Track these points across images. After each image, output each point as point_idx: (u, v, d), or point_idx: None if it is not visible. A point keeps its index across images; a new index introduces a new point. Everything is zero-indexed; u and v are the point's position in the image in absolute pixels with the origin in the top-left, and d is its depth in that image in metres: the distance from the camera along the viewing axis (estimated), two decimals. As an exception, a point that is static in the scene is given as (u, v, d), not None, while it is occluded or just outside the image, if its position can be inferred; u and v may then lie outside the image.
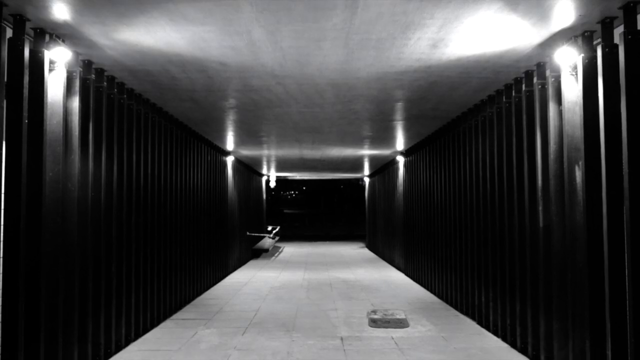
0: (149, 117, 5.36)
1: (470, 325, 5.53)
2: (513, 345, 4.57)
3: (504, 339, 4.78)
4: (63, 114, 3.59)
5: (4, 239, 3.05)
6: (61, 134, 3.57)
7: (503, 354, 4.44)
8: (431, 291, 7.64)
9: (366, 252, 15.20)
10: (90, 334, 4.04)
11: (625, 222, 2.98)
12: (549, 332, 3.93)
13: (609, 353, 3.12)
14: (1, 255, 3.03)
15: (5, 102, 3.03)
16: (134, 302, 4.94)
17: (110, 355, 4.38)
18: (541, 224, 4.07)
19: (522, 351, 4.38)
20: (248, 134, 7.89)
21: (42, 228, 3.32)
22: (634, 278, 2.94)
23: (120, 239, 4.68)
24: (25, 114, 3.09)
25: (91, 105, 4.04)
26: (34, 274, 3.28)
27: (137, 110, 5.02)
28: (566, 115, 3.64)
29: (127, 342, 4.76)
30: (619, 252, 3.07)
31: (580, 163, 3.46)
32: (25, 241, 3.18)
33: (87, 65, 3.98)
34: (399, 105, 5.79)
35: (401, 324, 5.42)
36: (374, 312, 5.73)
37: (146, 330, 5.25)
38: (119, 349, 4.56)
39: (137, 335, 5.01)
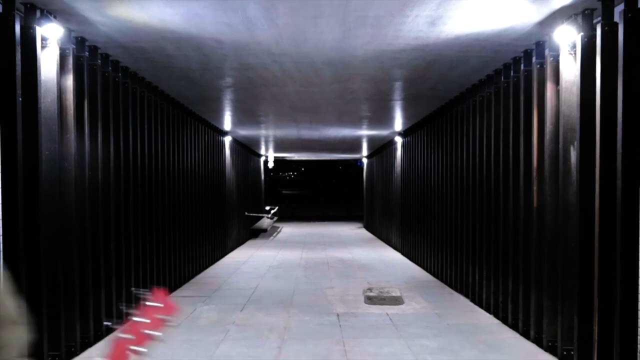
0: (144, 96, 5.32)
1: (463, 302, 5.64)
2: (504, 321, 4.68)
3: (496, 316, 4.89)
4: (57, 92, 3.56)
5: (2, 218, 3.07)
6: (56, 112, 3.55)
7: (494, 329, 4.55)
8: (427, 270, 7.76)
9: (364, 232, 15.34)
10: (92, 311, 4.11)
11: (617, 202, 3.01)
12: (539, 308, 4.02)
13: (596, 328, 3.20)
14: (0, 234, 3.06)
15: (-2, 79, 3.01)
16: (133, 279, 5.01)
17: (112, 331, 4.47)
18: (535, 204, 4.11)
19: (513, 327, 4.48)
20: (245, 114, 7.85)
21: (39, 207, 3.34)
22: (623, 256, 2.99)
23: (118, 218, 4.71)
24: (19, 91, 3.07)
25: (85, 84, 4.01)
26: (34, 253, 3.32)
27: (132, 89, 4.98)
28: (563, 95, 3.64)
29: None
30: (610, 231, 3.11)
31: (575, 143, 3.48)
32: (24, 220, 3.20)
33: (80, 42, 3.93)
34: (397, 85, 5.75)
35: (396, 301, 5.52)
36: (370, 289, 5.83)
37: (146, 307, 5.34)
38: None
39: (137, 312, 5.11)
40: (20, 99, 3.07)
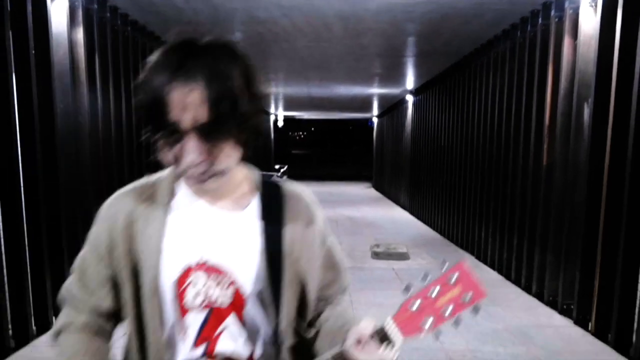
0: (154, 50, 5.27)
1: (468, 259, 5.77)
2: (508, 277, 4.81)
3: (500, 272, 5.02)
4: (68, 46, 3.57)
5: (22, 170, 3.16)
6: (68, 66, 3.57)
7: (497, 284, 4.69)
8: (434, 228, 7.88)
9: (372, 192, 15.46)
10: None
11: (627, 159, 3.00)
12: (542, 265, 4.11)
13: (597, 283, 3.29)
14: (22, 185, 3.16)
15: (10, 32, 3.02)
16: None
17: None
18: (545, 162, 4.10)
19: (516, 283, 4.61)
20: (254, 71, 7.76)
21: (57, 160, 3.44)
22: (629, 213, 3.02)
23: (132, 173, 4.82)
24: (31, 44, 3.08)
25: (96, 37, 3.99)
26: (54, 203, 3.45)
27: (142, 44, 4.94)
28: (581, 49, 3.54)
29: (144, 268, 5.09)
30: (618, 189, 3.12)
31: (589, 100, 3.42)
32: (43, 173, 3.30)
33: (88, -6, 3.88)
34: (410, 40, 5.61)
35: (402, 256, 5.67)
36: (377, 245, 5.98)
37: (161, 258, 5.57)
38: (136, 274, 4.89)
39: (153, 263, 5.34)
40: (34, 52, 3.09)
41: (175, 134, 0.70)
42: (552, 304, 3.95)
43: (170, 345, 0.80)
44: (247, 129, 0.73)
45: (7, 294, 2.95)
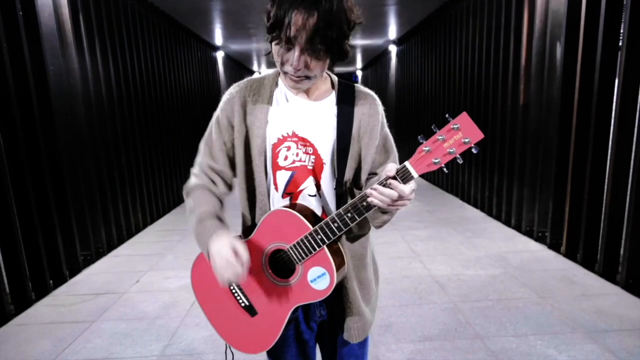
0: (135, 9, 5.22)
1: (453, 200, 6.11)
2: (489, 214, 5.16)
3: (482, 210, 5.36)
4: (53, 6, 3.57)
5: (23, 134, 3.25)
6: (55, 27, 3.58)
7: (479, 220, 5.04)
8: (419, 175, 8.17)
9: (359, 146, 15.62)
10: (112, 217, 4.51)
11: (594, 92, 3.23)
12: (520, 199, 4.44)
13: (567, 210, 3.62)
14: (25, 148, 3.26)
15: (-6, -7, 3.02)
16: (145, 191, 5.38)
17: (132, 236, 4.93)
18: (521, 102, 4.33)
19: (497, 218, 4.96)
20: (236, 26, 7.67)
21: (55, 122, 3.53)
22: (595, 144, 3.29)
23: (125, 132, 4.92)
24: (18, 5, 3.10)
25: (77, -4, 3.96)
26: (56, 164, 3.58)
27: (123, 4, 4.89)
28: (554, -10, 3.67)
29: (145, 225, 5.31)
30: (586, 125, 3.37)
31: (561, 39, 3.60)
32: (43, 135, 3.39)
33: (65, -49, 3.82)
34: (391, -12, 5.62)
35: (391, 202, 5.97)
36: (367, 193, 6.25)
37: (159, 215, 5.79)
38: (138, 230, 5.11)
39: (152, 220, 5.55)
40: (21, 13, 3.10)
41: (287, 45, 0.94)
42: (528, 233, 4.31)
43: (269, 194, 1.09)
44: (340, 50, 0.97)
45: (23, 251, 3.14)
